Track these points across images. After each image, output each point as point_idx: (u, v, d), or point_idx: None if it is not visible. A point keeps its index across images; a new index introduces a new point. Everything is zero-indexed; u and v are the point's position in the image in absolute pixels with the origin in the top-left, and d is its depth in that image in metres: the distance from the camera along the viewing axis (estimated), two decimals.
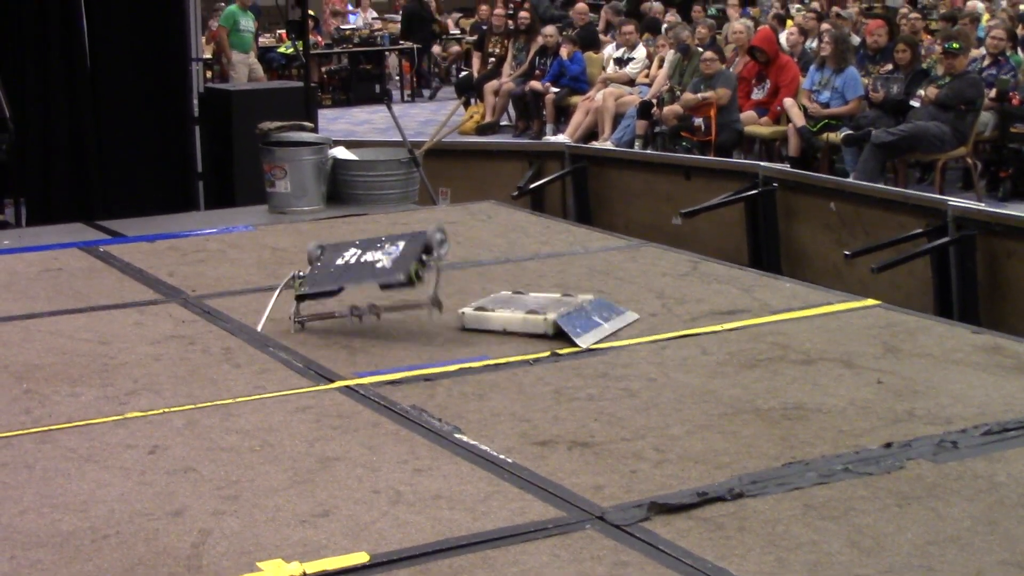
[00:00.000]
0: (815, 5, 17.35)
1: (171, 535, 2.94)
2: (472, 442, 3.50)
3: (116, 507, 3.10)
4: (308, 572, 2.75)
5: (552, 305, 4.53)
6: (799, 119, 12.14)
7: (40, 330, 4.58)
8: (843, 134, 11.67)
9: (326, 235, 6.12)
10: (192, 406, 3.81)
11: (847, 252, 7.04)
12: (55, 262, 5.66)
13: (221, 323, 4.66)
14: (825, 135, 11.99)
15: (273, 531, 2.96)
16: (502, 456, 3.40)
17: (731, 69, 13.09)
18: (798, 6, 17.76)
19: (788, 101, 12.34)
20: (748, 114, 12.65)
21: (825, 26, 14.28)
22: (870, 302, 4.84)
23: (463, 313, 4.54)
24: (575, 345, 4.29)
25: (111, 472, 3.32)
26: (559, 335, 4.34)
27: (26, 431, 3.61)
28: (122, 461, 3.39)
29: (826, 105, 12.11)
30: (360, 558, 2.83)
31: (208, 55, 16.17)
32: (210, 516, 3.04)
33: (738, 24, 14.35)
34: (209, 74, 15.27)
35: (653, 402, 3.80)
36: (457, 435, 3.56)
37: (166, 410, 3.77)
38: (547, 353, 4.23)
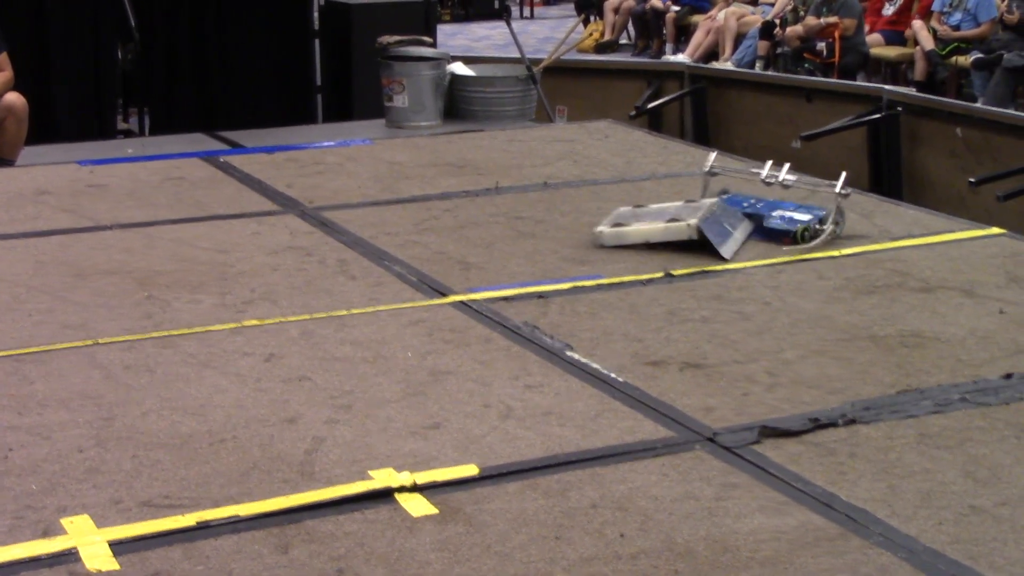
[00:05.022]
0: None
1: (285, 441, 3.00)
2: (584, 360, 3.51)
3: (233, 412, 3.17)
4: (418, 482, 2.79)
5: (686, 211, 4.51)
6: (928, 42, 11.82)
7: (162, 237, 4.67)
8: (973, 58, 11.34)
9: (443, 151, 6.14)
10: (308, 316, 3.86)
11: (972, 179, 6.88)
12: (177, 171, 5.75)
13: (337, 235, 4.71)
14: (954, 59, 11.66)
15: (385, 441, 3.01)
16: (613, 375, 3.40)
17: None
18: None
19: (917, 23, 12.01)
20: (874, 36, 12.35)
21: None
22: (995, 231, 4.72)
23: (600, 232, 4.53)
24: (716, 255, 4.33)
25: (228, 378, 3.39)
26: (702, 242, 4.36)
27: (148, 335, 3.70)
28: (239, 368, 3.46)
29: (957, 27, 11.77)
30: (470, 470, 2.86)
31: None
32: (323, 424, 3.10)
33: None
34: None
35: (767, 326, 3.77)
36: (569, 353, 3.56)
37: (282, 319, 3.83)
38: (660, 274, 4.21)
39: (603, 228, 4.55)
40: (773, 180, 4.75)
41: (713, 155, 5.03)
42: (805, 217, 4.56)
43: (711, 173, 4.94)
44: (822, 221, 4.53)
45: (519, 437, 3.03)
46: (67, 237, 4.69)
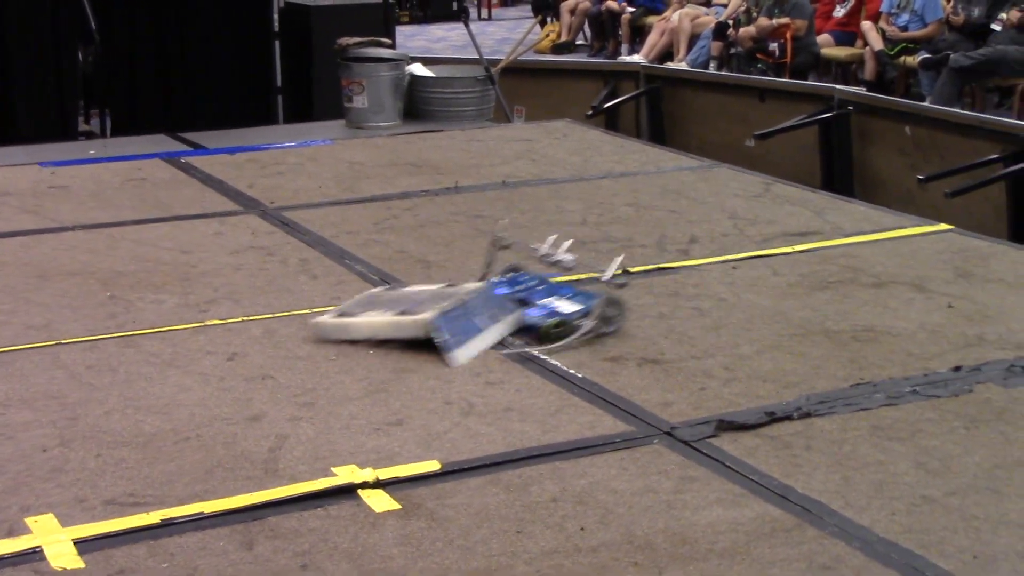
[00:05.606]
0: None
1: (249, 439, 3.03)
2: (543, 357, 3.55)
3: (196, 411, 3.19)
4: (381, 478, 2.82)
5: (430, 300, 3.68)
6: (877, 42, 11.95)
7: (124, 238, 4.68)
8: (921, 58, 11.48)
9: (403, 151, 6.17)
10: (270, 315, 3.89)
11: (921, 176, 6.98)
12: (139, 172, 5.75)
13: (299, 235, 4.73)
14: (902, 59, 11.80)
15: (347, 438, 3.04)
16: (572, 371, 3.45)
17: None
18: None
19: (866, 24, 12.14)
20: (824, 37, 12.47)
21: None
22: (943, 227, 4.81)
23: (319, 323, 3.71)
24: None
25: (191, 377, 3.41)
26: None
27: (111, 335, 3.71)
28: (202, 367, 3.48)
29: (904, 28, 11.89)
30: (432, 466, 2.89)
31: None
32: (287, 422, 3.13)
33: None
34: None
35: (723, 321, 3.82)
36: (528, 349, 3.60)
37: (245, 318, 3.86)
38: (619, 272, 4.25)
39: (325, 318, 3.73)
40: (550, 258, 4.11)
41: (504, 222, 4.18)
42: (571, 309, 3.72)
43: (503, 246, 4.09)
44: (589, 314, 3.68)
45: (480, 433, 3.07)
46: (29, 238, 4.69)
